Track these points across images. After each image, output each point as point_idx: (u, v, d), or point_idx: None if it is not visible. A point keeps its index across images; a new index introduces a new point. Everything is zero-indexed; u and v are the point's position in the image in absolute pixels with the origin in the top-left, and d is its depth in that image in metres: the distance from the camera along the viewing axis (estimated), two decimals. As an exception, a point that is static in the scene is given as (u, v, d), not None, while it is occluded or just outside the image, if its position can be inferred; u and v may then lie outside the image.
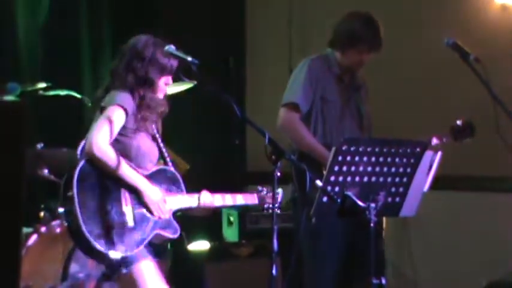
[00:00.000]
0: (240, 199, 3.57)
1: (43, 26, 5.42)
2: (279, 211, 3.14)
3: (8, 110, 2.16)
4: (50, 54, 5.41)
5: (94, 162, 3.09)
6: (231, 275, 4.74)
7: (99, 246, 3.04)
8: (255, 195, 3.61)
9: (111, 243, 3.08)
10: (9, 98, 2.23)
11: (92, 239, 3.02)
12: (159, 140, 3.41)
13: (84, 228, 3.00)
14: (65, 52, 5.54)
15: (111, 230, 3.09)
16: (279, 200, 3.53)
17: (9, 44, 5.23)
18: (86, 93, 4.98)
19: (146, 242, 3.19)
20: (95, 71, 5.70)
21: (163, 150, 3.42)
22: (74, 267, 4.03)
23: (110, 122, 3.13)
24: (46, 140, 4.36)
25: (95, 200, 3.08)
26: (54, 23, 5.45)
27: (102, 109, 3.20)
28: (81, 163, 3.09)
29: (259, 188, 3.62)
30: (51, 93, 4.48)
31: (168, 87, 3.40)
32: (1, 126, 2.11)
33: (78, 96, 4.57)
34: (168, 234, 3.30)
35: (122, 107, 3.17)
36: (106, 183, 3.12)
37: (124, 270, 3.15)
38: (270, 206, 3.49)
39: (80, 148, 3.23)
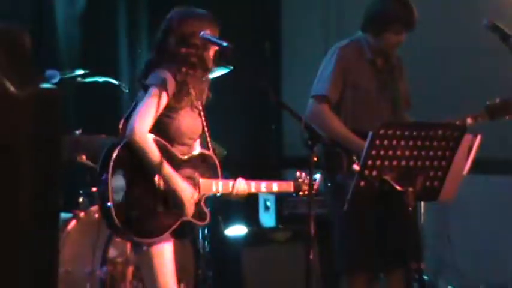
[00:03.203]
0: (275, 187, 3.55)
1: (81, 14, 5.47)
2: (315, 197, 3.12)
3: (44, 97, 2.18)
4: (88, 42, 5.47)
5: (132, 147, 3.11)
6: (268, 260, 4.74)
7: (127, 229, 3.07)
8: (291, 183, 3.58)
9: (139, 226, 3.11)
10: (46, 85, 2.24)
11: (120, 223, 3.04)
12: (203, 118, 3.40)
13: (113, 210, 3.03)
14: (103, 39, 5.59)
15: (140, 213, 3.11)
16: (316, 186, 3.52)
17: (48, 32, 5.30)
18: (123, 80, 5.02)
19: (174, 227, 3.20)
20: (132, 58, 5.74)
21: (206, 129, 3.41)
22: (112, 252, 4.07)
23: (153, 105, 3.13)
24: (84, 126, 4.40)
25: (127, 182, 3.10)
26: (92, 11, 5.49)
27: (146, 87, 3.21)
28: (120, 145, 3.10)
29: (298, 174, 3.58)
30: (89, 80, 4.51)
31: (211, 63, 3.36)
32: (38, 112, 2.14)
33: (116, 82, 4.60)
34: (197, 221, 3.30)
35: (165, 87, 3.17)
36: (140, 167, 3.13)
37: (144, 247, 3.17)
38: (307, 193, 3.50)
39: (122, 122, 3.25)
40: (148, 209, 3.14)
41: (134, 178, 3.13)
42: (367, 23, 4.01)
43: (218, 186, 3.37)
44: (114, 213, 3.03)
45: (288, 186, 3.58)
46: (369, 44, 4.03)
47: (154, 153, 3.12)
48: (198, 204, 3.27)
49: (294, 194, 3.58)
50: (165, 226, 3.18)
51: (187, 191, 3.20)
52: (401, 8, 3.90)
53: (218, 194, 3.39)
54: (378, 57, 4.05)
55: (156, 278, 3.20)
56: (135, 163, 3.12)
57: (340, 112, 3.97)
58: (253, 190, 3.46)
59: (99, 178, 3.09)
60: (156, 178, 3.15)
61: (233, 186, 3.38)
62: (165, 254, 3.21)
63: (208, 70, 3.35)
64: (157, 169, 3.14)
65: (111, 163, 3.06)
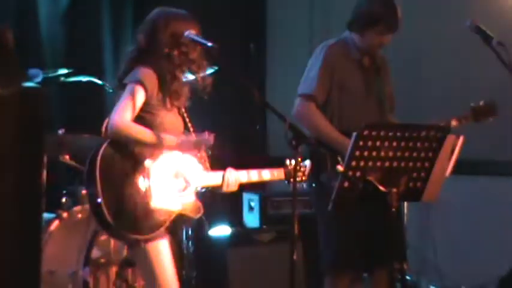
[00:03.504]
0: (266, 174, 3.55)
1: (64, 12, 5.45)
2: (304, 185, 3.10)
3: (28, 96, 2.17)
4: (72, 41, 5.44)
5: (118, 140, 3.11)
6: (252, 260, 4.74)
7: (121, 226, 3.07)
8: (282, 170, 3.58)
9: (132, 224, 3.10)
10: (30, 84, 2.23)
11: (112, 220, 3.04)
12: (185, 116, 3.41)
13: (105, 209, 3.02)
14: (86, 39, 5.57)
15: (133, 211, 3.10)
16: (307, 172, 3.54)
17: (31, 30, 5.27)
18: (107, 80, 5.00)
19: (168, 223, 3.20)
20: (116, 57, 5.71)
21: (189, 125, 3.42)
22: (95, 253, 4.05)
23: (130, 100, 3.14)
24: (67, 126, 4.38)
25: (116, 181, 3.10)
26: (76, 9, 5.47)
27: (124, 86, 3.21)
28: (104, 145, 3.10)
29: (287, 161, 3.56)
30: (73, 79, 4.49)
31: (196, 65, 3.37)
32: (21, 112, 2.13)
33: (100, 82, 4.59)
34: (191, 214, 3.31)
35: (142, 84, 3.17)
36: (128, 165, 3.13)
37: (142, 245, 3.17)
38: (298, 179, 3.45)
39: (104, 125, 3.25)
40: (140, 205, 3.13)
41: (123, 175, 3.12)
42: (353, 21, 4.03)
43: (209, 178, 3.37)
44: (105, 210, 3.02)
45: (279, 174, 3.58)
46: (355, 44, 4.04)
47: (144, 133, 3.14)
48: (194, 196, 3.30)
49: (285, 181, 3.58)
50: (159, 222, 3.18)
51: (195, 143, 3.25)
52: (385, 10, 3.91)
53: (209, 188, 3.39)
54: (365, 56, 4.07)
55: (155, 275, 3.20)
56: (122, 160, 3.12)
57: (327, 112, 3.98)
58: (244, 180, 3.47)
59: (88, 176, 3.08)
60: (145, 171, 3.15)
61: (223, 176, 3.38)
62: (162, 249, 3.21)
63: (196, 69, 3.34)
64: (156, 143, 3.16)
65: (99, 160, 3.06)
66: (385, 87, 4.11)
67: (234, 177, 3.41)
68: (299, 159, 2.99)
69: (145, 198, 3.15)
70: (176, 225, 3.35)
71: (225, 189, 3.41)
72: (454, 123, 3.93)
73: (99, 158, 3.07)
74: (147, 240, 3.17)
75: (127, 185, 3.12)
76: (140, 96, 3.17)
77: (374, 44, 4.00)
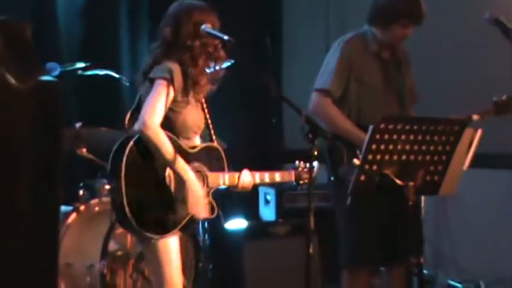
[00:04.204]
0: (277, 177, 3.58)
1: (82, 6, 5.46)
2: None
3: (45, 89, 2.18)
4: (89, 35, 5.46)
5: (144, 141, 3.11)
6: (268, 253, 4.74)
7: (139, 224, 3.07)
8: (292, 172, 3.62)
9: (151, 222, 3.12)
10: (47, 78, 2.24)
11: (132, 216, 3.05)
12: (206, 111, 3.41)
13: (126, 206, 3.03)
14: (104, 32, 5.58)
15: (152, 209, 3.12)
16: (314, 174, 3.55)
17: (49, 24, 5.28)
18: (124, 73, 5.01)
19: (183, 224, 3.21)
20: (133, 51, 5.73)
21: (209, 121, 3.43)
22: (112, 245, 4.07)
23: (161, 98, 3.13)
24: (85, 119, 4.39)
25: (140, 178, 3.11)
26: (93, 3, 5.48)
27: (151, 80, 3.21)
28: (132, 140, 3.10)
29: (296, 163, 3.61)
30: (90, 73, 4.50)
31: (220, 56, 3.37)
32: (39, 105, 2.14)
33: (117, 76, 4.59)
34: (206, 215, 3.31)
35: (171, 81, 3.17)
36: (153, 163, 3.14)
37: (153, 240, 3.18)
38: (306, 181, 3.54)
39: (128, 115, 3.26)
40: (158, 205, 3.14)
41: (146, 173, 3.13)
42: (375, 15, 4.00)
43: (225, 179, 3.39)
44: (126, 206, 3.03)
45: (289, 176, 3.61)
46: (374, 37, 4.02)
47: (168, 147, 3.12)
48: (207, 197, 3.29)
49: (294, 183, 3.62)
50: (175, 223, 3.19)
51: (197, 189, 3.21)
52: (409, 2, 3.89)
53: (224, 187, 3.41)
54: (384, 50, 4.04)
55: (162, 271, 3.21)
56: (146, 157, 3.12)
57: (345, 106, 3.97)
58: (257, 181, 3.50)
59: (112, 171, 3.10)
60: (167, 173, 3.16)
61: (239, 178, 3.40)
62: (171, 247, 3.21)
63: (215, 62, 3.34)
64: (171, 163, 3.14)
65: (126, 155, 3.06)
66: (405, 80, 4.09)
67: (248, 179, 3.44)
68: (313, 155, 2.98)
69: (165, 196, 3.16)
70: (188, 224, 3.35)
71: (240, 189, 3.44)
72: (475, 117, 3.90)
73: (126, 153, 3.07)
74: (158, 237, 3.18)
75: (150, 183, 3.13)
76: (171, 93, 3.17)
77: (397, 37, 3.97)
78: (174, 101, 3.22)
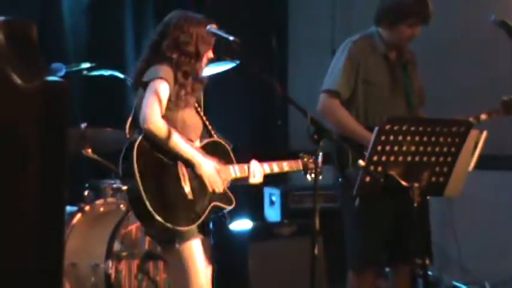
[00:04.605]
0: (286, 166, 3.65)
1: (87, 6, 5.47)
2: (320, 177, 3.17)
3: (51, 90, 2.18)
4: (94, 35, 5.46)
5: (150, 137, 3.12)
6: (273, 254, 4.74)
7: (161, 219, 3.07)
8: (299, 161, 3.69)
9: (172, 217, 3.12)
10: (53, 78, 2.24)
11: (155, 213, 3.05)
12: (201, 113, 3.44)
13: (147, 202, 3.04)
14: (109, 33, 5.59)
15: (171, 204, 3.13)
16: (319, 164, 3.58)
17: (54, 24, 5.29)
18: (130, 74, 5.01)
19: (206, 214, 3.22)
20: (138, 52, 5.72)
21: (207, 123, 3.46)
22: (117, 246, 4.07)
23: (158, 95, 3.16)
24: (90, 119, 4.40)
25: (153, 175, 3.13)
26: (98, 3, 5.49)
27: (145, 84, 3.22)
28: (139, 139, 3.12)
29: (301, 154, 3.70)
30: (95, 73, 4.51)
31: (208, 60, 3.42)
32: (44, 105, 2.14)
33: (122, 76, 4.60)
34: (225, 205, 3.37)
35: (166, 80, 3.19)
36: (163, 158, 3.16)
37: (177, 246, 3.18)
38: (313, 171, 3.63)
39: (128, 125, 3.27)
40: (178, 198, 3.16)
41: (160, 167, 3.16)
42: (382, 16, 3.99)
43: (235, 171, 3.43)
44: (148, 204, 3.04)
45: (297, 165, 3.69)
46: (381, 38, 4.01)
47: (173, 136, 3.15)
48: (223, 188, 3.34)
49: (302, 172, 3.66)
50: (198, 214, 3.22)
51: (208, 163, 3.25)
52: (417, 1, 3.88)
53: (236, 178, 3.44)
54: (391, 51, 4.04)
55: (188, 275, 3.21)
56: (156, 154, 3.15)
57: (353, 107, 3.96)
58: (267, 171, 3.55)
59: (125, 172, 3.12)
60: (179, 167, 3.17)
61: (249, 168, 3.43)
62: (194, 250, 3.22)
63: (198, 74, 3.37)
64: (179, 151, 3.17)
65: (135, 154, 3.08)
66: (413, 81, 4.08)
67: (258, 169, 3.47)
68: (318, 153, 2.99)
69: (184, 190, 3.17)
70: (203, 224, 3.37)
71: (251, 180, 3.47)
72: (483, 116, 3.90)
73: (134, 152, 3.09)
74: (181, 242, 3.18)
75: (165, 177, 3.16)
76: (166, 91, 3.20)
77: (405, 37, 3.96)
78: (170, 100, 3.24)
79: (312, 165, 3.66)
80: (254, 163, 3.48)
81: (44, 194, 2.13)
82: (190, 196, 3.19)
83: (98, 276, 4.03)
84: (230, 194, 3.39)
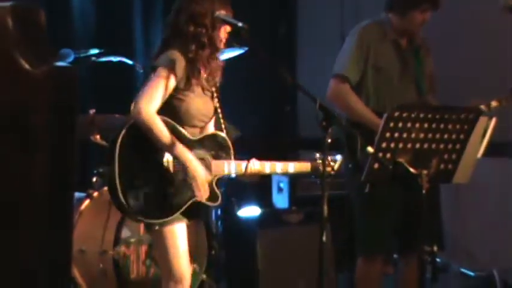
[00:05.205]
0: (291, 167, 3.55)
1: (96, -8, 5.47)
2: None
3: (59, 75, 2.18)
4: (103, 21, 5.46)
5: (140, 127, 3.11)
6: (281, 241, 4.74)
7: (134, 209, 3.07)
8: (308, 163, 3.58)
9: (148, 207, 3.11)
10: (61, 64, 2.24)
11: (126, 202, 3.04)
12: (216, 101, 3.40)
13: (120, 190, 3.03)
14: (118, 18, 5.58)
15: (150, 194, 3.11)
16: (337, 167, 3.53)
17: (63, 10, 5.29)
18: (138, 60, 5.01)
19: (183, 208, 3.20)
20: (147, 38, 5.73)
21: (219, 110, 3.41)
22: (125, 232, 4.08)
23: (159, 86, 3.13)
24: (98, 105, 4.40)
25: (136, 162, 3.10)
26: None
27: (154, 69, 3.21)
28: (127, 126, 3.10)
29: (317, 155, 3.56)
30: (104, 59, 4.51)
31: (222, 44, 3.37)
32: (53, 91, 2.14)
33: (130, 62, 4.60)
34: (209, 202, 3.29)
35: (173, 69, 3.16)
36: (150, 147, 3.13)
37: (156, 227, 3.18)
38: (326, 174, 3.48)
39: (132, 106, 3.26)
40: (157, 190, 3.14)
41: (143, 159, 3.13)
42: (393, 2, 3.98)
43: (230, 167, 3.36)
44: (120, 191, 3.03)
45: (305, 167, 3.58)
46: (392, 25, 3.99)
47: (164, 133, 3.11)
48: (210, 185, 3.27)
49: (312, 176, 3.58)
50: (175, 207, 3.18)
51: (200, 171, 3.20)
52: None
53: (232, 175, 3.39)
54: (402, 37, 4.02)
55: (168, 258, 3.21)
56: (143, 143, 3.12)
57: (362, 93, 3.95)
58: (267, 171, 3.47)
59: (107, 156, 3.09)
60: (165, 159, 3.15)
61: (246, 167, 3.38)
62: (177, 234, 3.20)
63: (218, 51, 3.33)
64: (167, 147, 3.13)
65: (119, 141, 3.06)
66: (424, 68, 4.06)
67: (257, 169, 3.42)
68: (327, 142, 2.96)
69: (163, 182, 3.16)
70: (197, 211, 3.34)
71: (247, 179, 3.42)
72: (494, 104, 3.89)
73: (120, 138, 3.07)
74: (162, 224, 3.17)
75: (146, 168, 3.13)
76: (171, 82, 3.17)
77: (417, 24, 3.94)
78: (177, 88, 3.21)
79: (327, 169, 3.42)
80: (253, 162, 3.41)
81: (52, 180, 2.14)
82: (170, 189, 3.16)
83: (106, 263, 4.04)
84: (217, 191, 3.32)
